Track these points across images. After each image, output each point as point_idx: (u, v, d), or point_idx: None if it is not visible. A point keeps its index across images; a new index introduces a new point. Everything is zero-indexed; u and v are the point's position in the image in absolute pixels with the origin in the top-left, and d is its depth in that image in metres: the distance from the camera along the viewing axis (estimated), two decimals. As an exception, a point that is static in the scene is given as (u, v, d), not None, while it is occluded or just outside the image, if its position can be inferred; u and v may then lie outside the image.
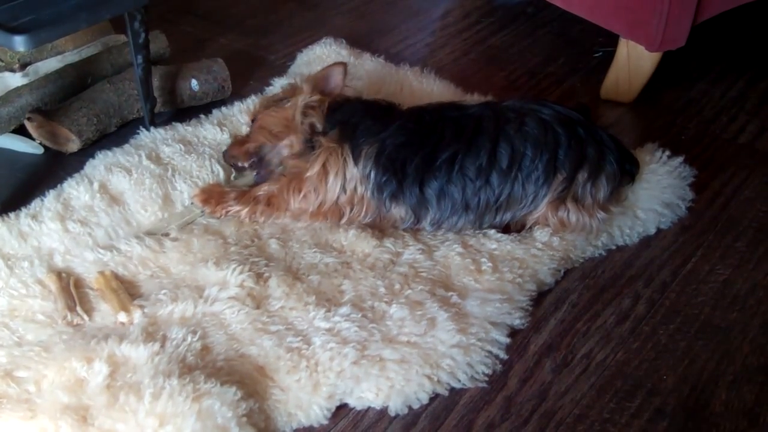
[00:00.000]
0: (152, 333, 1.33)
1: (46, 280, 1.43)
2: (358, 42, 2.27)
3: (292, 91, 1.65)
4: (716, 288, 1.56)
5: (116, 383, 1.24)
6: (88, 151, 1.80)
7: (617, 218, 1.65)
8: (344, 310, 1.40)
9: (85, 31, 1.99)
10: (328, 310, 1.40)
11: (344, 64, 1.64)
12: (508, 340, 1.40)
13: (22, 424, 1.19)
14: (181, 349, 1.30)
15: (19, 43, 1.47)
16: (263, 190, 1.60)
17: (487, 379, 1.34)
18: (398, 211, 1.56)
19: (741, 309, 1.51)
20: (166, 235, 1.55)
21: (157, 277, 1.47)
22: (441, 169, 1.53)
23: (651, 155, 1.80)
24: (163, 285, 1.44)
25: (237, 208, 1.59)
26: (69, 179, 1.68)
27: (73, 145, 1.82)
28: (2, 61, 1.91)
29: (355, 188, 1.55)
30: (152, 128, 1.84)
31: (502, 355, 1.38)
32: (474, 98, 1.96)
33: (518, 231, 1.62)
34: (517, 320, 1.44)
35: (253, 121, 1.67)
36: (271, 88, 2.03)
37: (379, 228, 1.60)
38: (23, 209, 1.59)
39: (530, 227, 1.62)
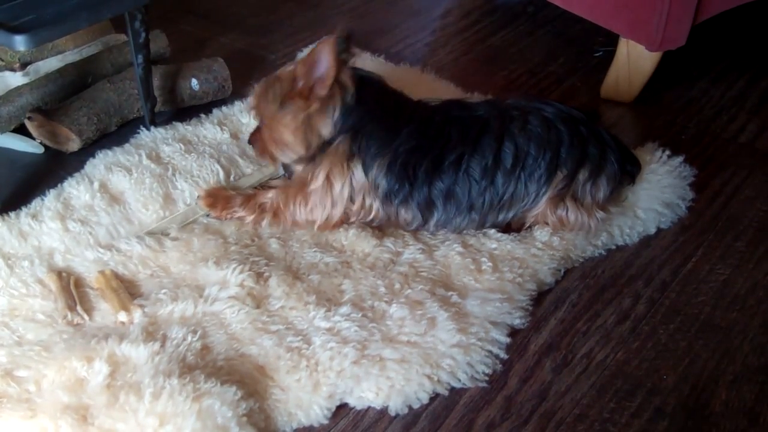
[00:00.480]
0: (152, 332, 1.34)
1: (47, 280, 1.43)
2: (359, 41, 2.25)
3: (290, 81, 1.50)
4: (716, 287, 1.56)
5: (116, 383, 1.24)
6: (88, 150, 1.80)
7: (617, 218, 1.65)
8: (344, 309, 1.40)
9: (85, 31, 1.99)
10: (329, 310, 1.40)
11: (332, 41, 1.42)
12: (508, 340, 1.40)
13: (22, 423, 1.19)
14: (182, 349, 1.30)
15: (20, 42, 1.47)
16: (268, 198, 1.58)
17: (487, 378, 1.34)
18: (407, 216, 1.56)
19: (741, 308, 1.51)
20: (166, 234, 1.55)
21: (158, 276, 1.47)
22: (448, 171, 1.52)
23: (651, 155, 1.80)
24: (164, 284, 1.44)
25: (242, 214, 1.58)
26: (69, 178, 1.68)
27: (74, 144, 1.82)
28: (3, 61, 1.91)
29: (364, 197, 1.53)
30: (152, 128, 1.84)
31: (503, 354, 1.38)
32: (474, 97, 1.96)
33: (518, 230, 1.62)
34: (517, 320, 1.44)
35: (254, 109, 1.59)
36: (271, 87, 2.03)
37: (379, 228, 1.60)
38: (23, 208, 1.60)
39: (530, 226, 1.62)
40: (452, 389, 1.32)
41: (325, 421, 1.27)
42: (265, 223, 1.58)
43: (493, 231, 1.60)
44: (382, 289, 1.46)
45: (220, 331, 1.36)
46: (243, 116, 1.91)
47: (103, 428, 1.18)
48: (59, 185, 1.66)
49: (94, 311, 1.40)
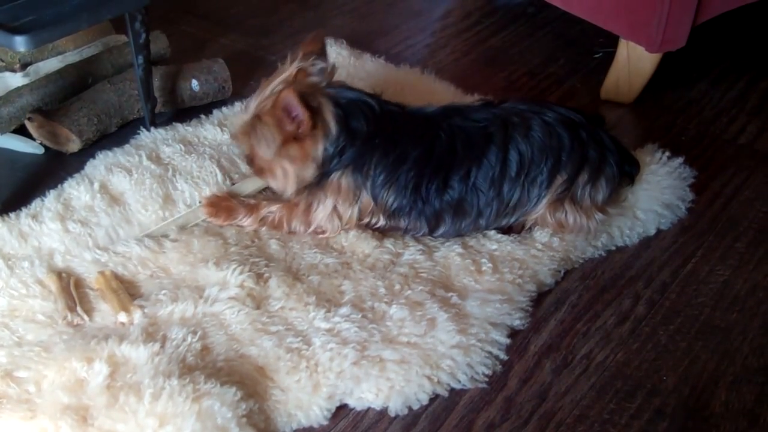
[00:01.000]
0: (152, 333, 1.33)
1: (47, 280, 1.43)
2: (359, 42, 2.27)
3: (276, 125, 1.45)
4: (716, 289, 1.56)
5: (116, 383, 1.24)
6: (88, 151, 1.80)
7: (617, 219, 1.66)
8: (344, 310, 1.40)
9: (85, 32, 1.99)
10: (328, 311, 1.40)
11: (290, 91, 1.39)
12: (508, 341, 1.40)
13: (22, 424, 1.19)
14: (181, 350, 1.30)
15: (20, 43, 1.47)
16: (272, 212, 1.57)
17: (487, 379, 1.34)
18: (413, 226, 1.56)
19: (741, 310, 1.51)
20: (166, 236, 1.55)
21: (157, 277, 1.47)
22: (457, 186, 1.52)
23: (651, 156, 1.80)
24: (164, 285, 1.44)
25: (245, 224, 1.58)
26: (69, 179, 1.68)
27: (74, 145, 1.82)
28: (3, 61, 1.91)
29: (372, 215, 1.54)
30: (153, 128, 1.84)
31: (502, 355, 1.38)
32: (474, 99, 1.96)
33: (518, 232, 1.63)
34: (517, 321, 1.44)
35: (249, 157, 1.57)
36: (271, 88, 2.02)
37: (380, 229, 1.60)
38: (23, 209, 1.59)
39: (530, 228, 1.62)
40: (452, 390, 1.32)
41: (325, 422, 1.27)
42: (264, 228, 1.58)
43: (493, 232, 1.60)
44: (382, 290, 1.46)
45: (220, 332, 1.36)
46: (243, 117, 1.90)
47: (102, 429, 1.18)
48: (59, 186, 1.66)
49: (94, 312, 1.40)
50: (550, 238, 1.59)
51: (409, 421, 1.28)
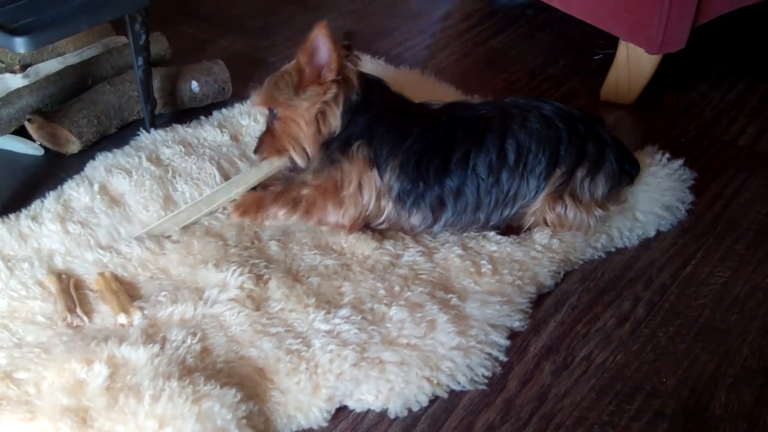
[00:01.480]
0: (152, 335, 1.33)
1: (46, 282, 1.43)
2: (359, 44, 2.27)
3: (297, 72, 1.52)
4: (716, 290, 1.56)
5: (116, 385, 1.24)
6: (88, 152, 1.80)
7: (617, 220, 1.66)
8: (344, 312, 1.40)
9: (85, 33, 1.99)
10: (328, 312, 1.40)
11: (323, 24, 1.45)
12: (507, 343, 1.40)
13: (22, 425, 1.19)
14: (181, 351, 1.30)
15: (20, 44, 1.47)
16: (303, 194, 1.58)
17: (486, 381, 1.34)
18: (416, 217, 1.57)
19: (740, 311, 1.51)
20: (167, 236, 1.55)
21: (157, 278, 1.47)
22: (457, 170, 1.54)
23: (651, 157, 1.80)
24: (163, 286, 1.44)
25: (276, 209, 1.59)
26: (69, 180, 1.68)
27: (74, 146, 1.82)
28: (3, 63, 1.91)
29: (380, 199, 1.55)
30: (152, 130, 1.84)
31: (502, 357, 1.38)
32: (475, 100, 1.96)
33: (518, 232, 1.63)
34: (516, 322, 1.44)
35: (268, 109, 1.58)
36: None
37: (379, 230, 1.60)
38: (23, 210, 1.60)
39: (530, 228, 1.62)
40: (452, 392, 1.32)
41: (325, 424, 1.26)
42: (295, 218, 1.59)
43: (492, 233, 1.60)
44: (382, 292, 1.46)
45: (220, 334, 1.36)
46: (243, 118, 1.91)
47: (102, 430, 1.18)
48: (59, 187, 1.66)
49: (93, 313, 1.39)
50: (550, 240, 1.59)
51: (409, 422, 1.28)
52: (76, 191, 1.64)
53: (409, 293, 1.45)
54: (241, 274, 1.44)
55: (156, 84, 1.90)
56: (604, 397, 1.33)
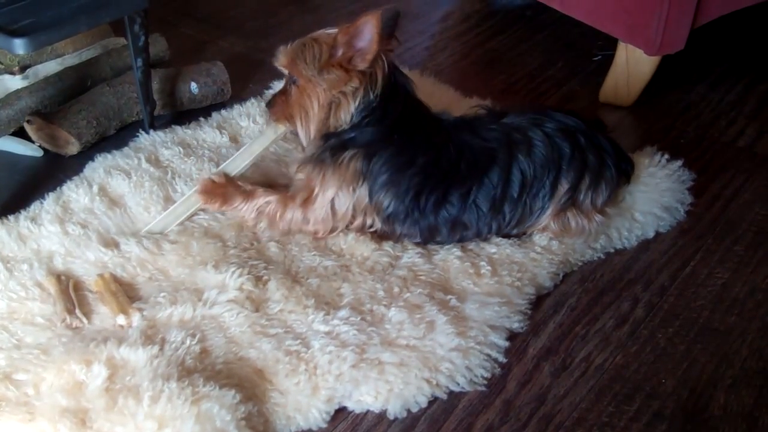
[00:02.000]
0: (151, 336, 1.33)
1: (46, 283, 1.43)
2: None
3: (329, 47, 1.47)
4: (715, 291, 1.56)
5: (115, 386, 1.24)
6: (87, 153, 1.80)
7: (616, 221, 1.66)
8: (343, 313, 1.40)
9: (84, 34, 1.99)
10: (327, 313, 1.40)
11: (377, 16, 1.39)
12: (506, 344, 1.40)
13: (21, 426, 1.18)
14: (180, 352, 1.30)
15: (19, 46, 1.47)
16: (268, 202, 1.56)
17: (485, 382, 1.34)
18: (407, 234, 1.56)
19: (740, 312, 1.51)
20: (165, 235, 1.55)
21: (156, 279, 1.47)
22: (456, 203, 1.52)
23: (650, 159, 1.80)
24: (162, 288, 1.44)
25: (241, 213, 1.57)
26: (68, 182, 1.68)
27: (73, 147, 1.82)
28: (2, 64, 1.91)
29: (366, 216, 1.53)
30: (151, 131, 1.84)
31: (501, 358, 1.38)
32: (473, 102, 1.96)
33: (518, 235, 1.62)
34: (516, 324, 1.44)
35: (287, 66, 1.52)
36: (270, 90, 2.02)
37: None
38: (22, 212, 1.59)
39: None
40: (451, 393, 1.32)
41: (324, 425, 1.26)
42: (262, 225, 1.58)
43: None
44: (381, 293, 1.46)
45: (219, 335, 1.35)
46: (242, 120, 1.91)
47: (101, 432, 1.18)
48: (58, 188, 1.66)
49: (92, 314, 1.39)
50: (549, 242, 1.59)
51: (408, 423, 1.28)
52: (75, 192, 1.63)
53: (408, 294, 1.45)
54: (240, 276, 1.43)
55: (155, 85, 1.90)
56: (603, 398, 1.34)
